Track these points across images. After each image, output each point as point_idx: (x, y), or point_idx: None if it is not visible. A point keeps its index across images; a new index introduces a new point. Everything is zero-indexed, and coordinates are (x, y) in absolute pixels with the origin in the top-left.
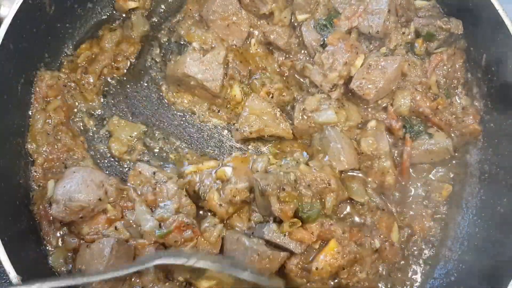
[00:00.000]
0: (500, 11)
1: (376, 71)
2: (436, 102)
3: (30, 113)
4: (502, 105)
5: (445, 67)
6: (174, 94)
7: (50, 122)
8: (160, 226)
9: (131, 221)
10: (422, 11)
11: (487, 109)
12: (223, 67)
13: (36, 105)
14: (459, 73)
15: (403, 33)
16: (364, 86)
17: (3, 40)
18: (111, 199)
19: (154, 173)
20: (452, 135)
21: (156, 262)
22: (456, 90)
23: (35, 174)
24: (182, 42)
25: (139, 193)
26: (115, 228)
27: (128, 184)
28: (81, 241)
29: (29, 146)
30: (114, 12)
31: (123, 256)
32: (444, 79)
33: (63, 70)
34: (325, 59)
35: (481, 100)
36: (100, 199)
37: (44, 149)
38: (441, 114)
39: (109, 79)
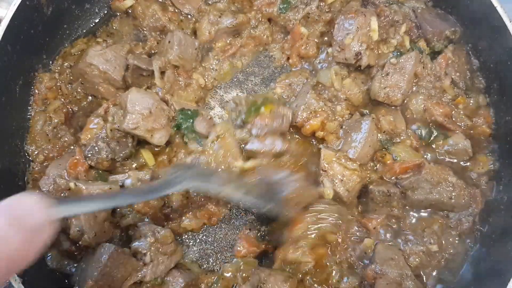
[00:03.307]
0: (499, 9)
1: (395, 75)
2: (457, 101)
3: (29, 115)
4: (500, 103)
5: (455, 64)
6: None
7: (50, 123)
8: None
9: None
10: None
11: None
12: (125, 58)
13: (36, 106)
14: (466, 66)
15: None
16: (390, 94)
17: (0, 41)
18: None
19: None
20: None
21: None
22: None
23: (34, 170)
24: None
25: None
26: None
27: None
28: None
29: (28, 147)
30: (111, 12)
31: (119, 266)
32: (458, 74)
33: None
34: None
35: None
36: None
37: (44, 148)
38: (457, 119)
39: None
